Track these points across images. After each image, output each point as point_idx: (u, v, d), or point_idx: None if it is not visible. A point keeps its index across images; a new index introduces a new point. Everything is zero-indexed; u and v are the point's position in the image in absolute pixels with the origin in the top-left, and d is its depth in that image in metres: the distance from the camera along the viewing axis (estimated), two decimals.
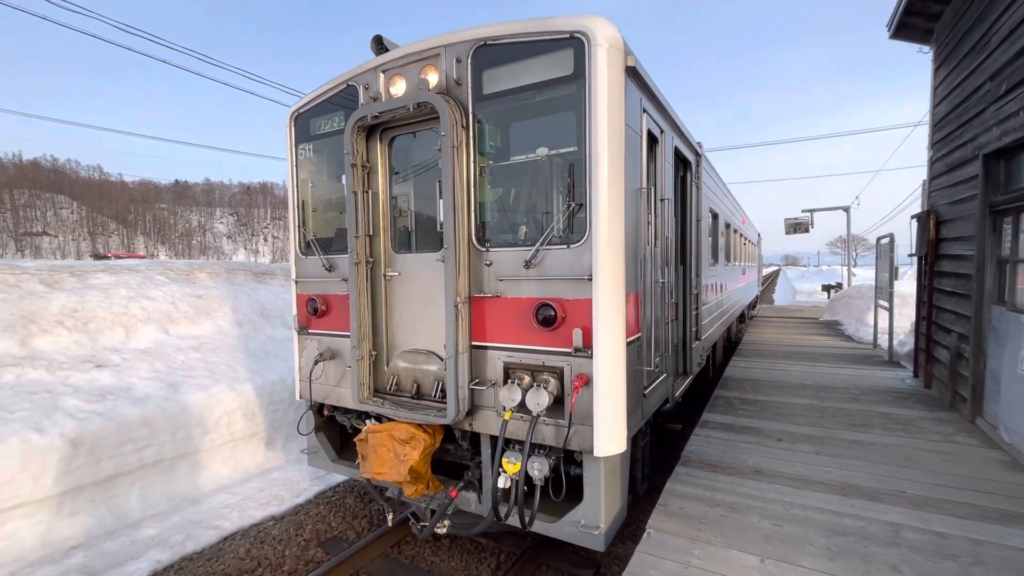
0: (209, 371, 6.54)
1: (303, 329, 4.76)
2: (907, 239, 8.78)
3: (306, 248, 4.73)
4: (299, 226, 4.77)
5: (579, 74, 3.24)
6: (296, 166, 4.76)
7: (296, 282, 4.82)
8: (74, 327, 6.33)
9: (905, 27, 7.80)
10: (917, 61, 8.30)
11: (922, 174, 8.18)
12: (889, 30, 8.03)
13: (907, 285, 13.55)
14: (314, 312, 4.62)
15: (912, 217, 8.23)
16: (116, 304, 6.85)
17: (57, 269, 7.05)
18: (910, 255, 8.65)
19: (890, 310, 9.71)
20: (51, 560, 4.42)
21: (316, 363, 4.54)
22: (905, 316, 11.90)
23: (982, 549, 3.39)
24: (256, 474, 6.18)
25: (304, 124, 4.66)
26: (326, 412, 4.79)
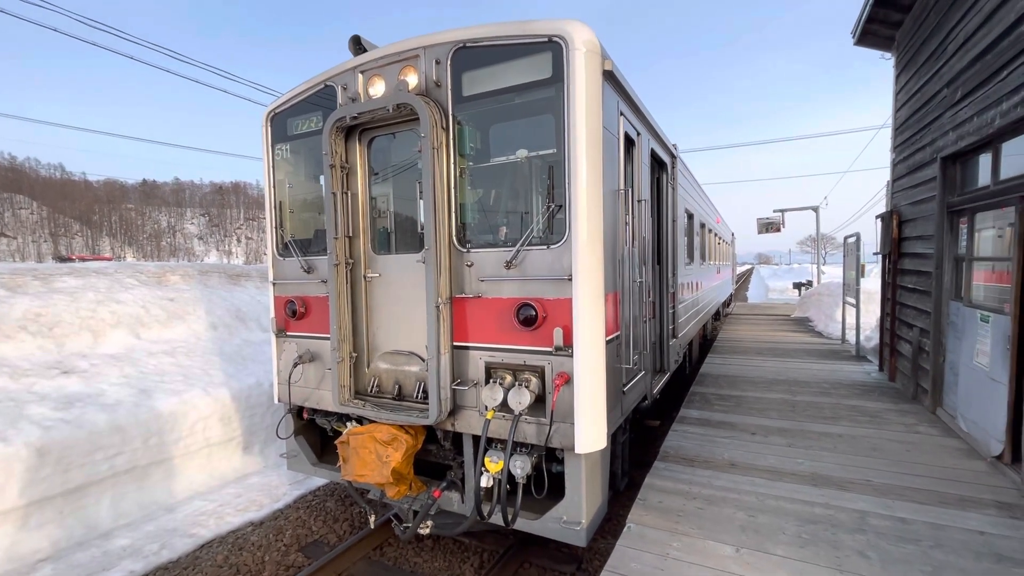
0: (183, 376, 6.39)
1: (281, 332, 4.70)
2: (873, 238, 9.14)
3: (284, 249, 4.67)
4: (276, 227, 4.71)
5: (557, 77, 3.29)
6: (273, 167, 4.70)
7: (274, 284, 4.76)
8: (38, 332, 6.11)
9: (868, 34, 8.11)
10: (882, 67, 8.65)
11: (886, 175, 8.52)
12: (854, 37, 8.34)
13: (873, 282, 14.07)
14: (293, 314, 4.57)
15: (877, 217, 8.57)
16: (83, 308, 6.63)
17: (19, 272, 6.80)
18: (875, 253, 8.99)
19: (857, 307, 10.08)
20: (17, 573, 4.26)
21: (295, 366, 4.49)
22: (871, 312, 12.36)
23: (941, 533, 3.57)
24: (233, 480, 6.07)
25: (281, 124, 4.61)
26: (306, 415, 4.74)
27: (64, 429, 4.92)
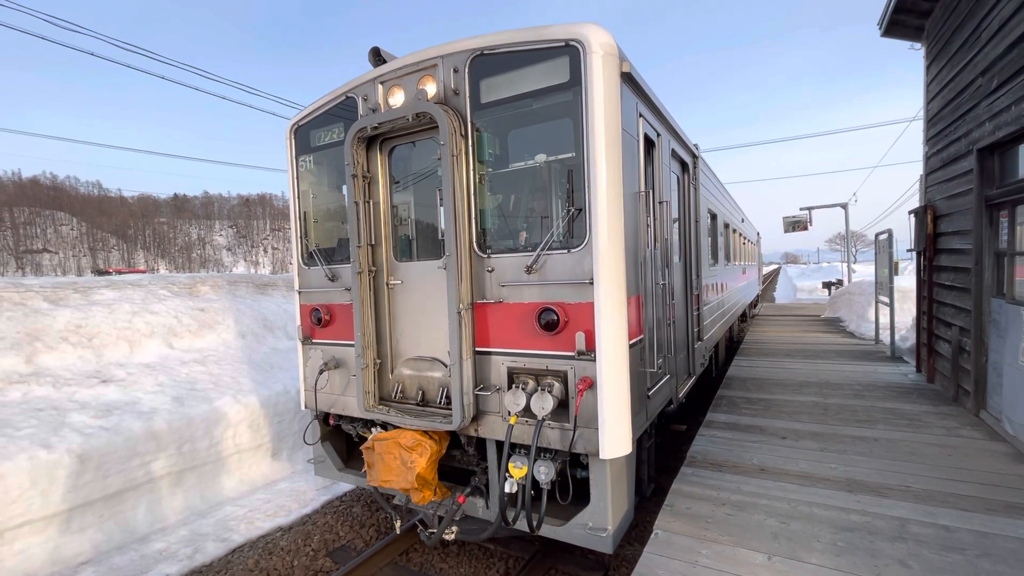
0: (213, 383, 6.56)
1: (307, 339, 4.79)
2: (906, 234, 8.83)
3: (309, 259, 4.77)
4: (301, 237, 4.81)
5: (575, 81, 3.29)
6: (297, 178, 4.81)
7: (299, 292, 4.85)
8: (79, 343, 6.36)
9: (896, 25, 7.87)
10: (911, 58, 8.38)
11: (919, 169, 8.23)
12: (880, 28, 8.10)
13: (907, 280, 13.57)
14: (318, 322, 4.65)
15: (910, 212, 8.28)
16: (120, 319, 6.89)
17: (61, 286, 7.10)
18: (909, 250, 8.68)
19: (891, 305, 9.73)
20: None
21: (321, 372, 4.57)
22: (906, 311, 11.92)
23: (988, 541, 3.40)
24: (262, 485, 6.19)
25: (304, 136, 4.72)
26: (332, 421, 4.81)
27: (103, 436, 5.10)
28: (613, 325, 3.31)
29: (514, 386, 3.52)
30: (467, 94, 3.66)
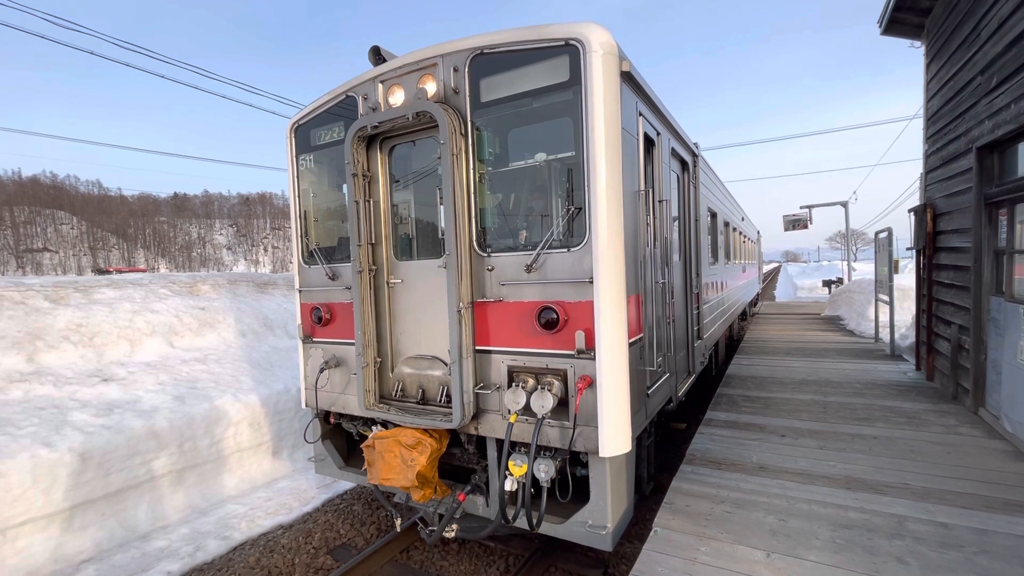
0: (214, 382, 6.58)
1: (308, 338, 4.80)
2: (906, 232, 8.84)
3: (309, 257, 4.78)
4: (302, 236, 4.82)
5: (575, 80, 3.29)
6: (297, 177, 4.82)
7: (300, 291, 4.86)
8: (80, 342, 6.37)
9: (896, 23, 7.87)
10: (911, 56, 8.39)
11: (919, 167, 8.23)
12: (880, 26, 8.10)
13: (907, 278, 13.58)
14: (318, 321, 4.66)
15: (910, 211, 8.28)
16: (121, 318, 6.90)
17: (62, 285, 7.11)
18: (909, 248, 8.69)
19: (890, 304, 9.74)
20: (63, 574, 4.45)
21: (321, 371, 4.58)
22: (906, 309, 11.93)
23: (987, 538, 3.42)
24: (263, 483, 6.21)
25: (304, 135, 4.72)
26: (332, 419, 4.83)
27: (104, 435, 5.12)
28: (613, 324, 3.32)
29: (514, 384, 3.53)
30: (467, 93, 3.67)
